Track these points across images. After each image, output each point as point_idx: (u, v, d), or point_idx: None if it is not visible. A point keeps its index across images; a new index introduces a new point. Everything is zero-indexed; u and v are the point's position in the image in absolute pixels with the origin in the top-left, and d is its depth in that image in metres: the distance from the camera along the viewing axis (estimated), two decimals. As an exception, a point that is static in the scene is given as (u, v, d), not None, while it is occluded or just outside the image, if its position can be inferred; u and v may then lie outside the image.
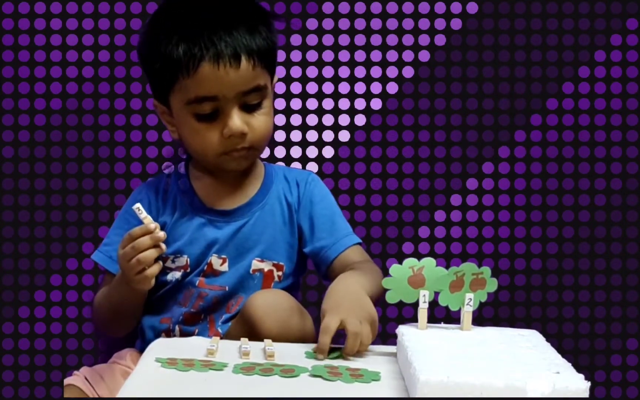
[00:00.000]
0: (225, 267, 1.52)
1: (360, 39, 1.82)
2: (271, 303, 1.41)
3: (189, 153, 1.58)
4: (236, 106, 1.47)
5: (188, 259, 1.52)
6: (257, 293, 1.45)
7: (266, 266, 1.53)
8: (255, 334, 1.37)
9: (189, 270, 1.52)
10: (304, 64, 1.82)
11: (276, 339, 1.36)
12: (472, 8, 1.81)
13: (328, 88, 1.83)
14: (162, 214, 1.55)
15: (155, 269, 1.40)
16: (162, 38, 1.46)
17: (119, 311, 1.51)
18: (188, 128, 1.49)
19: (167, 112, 1.52)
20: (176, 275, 1.52)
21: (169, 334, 1.52)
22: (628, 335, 1.83)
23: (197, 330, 1.51)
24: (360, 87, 1.83)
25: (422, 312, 1.28)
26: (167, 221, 1.54)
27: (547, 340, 1.25)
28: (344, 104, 1.83)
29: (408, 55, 1.82)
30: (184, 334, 1.51)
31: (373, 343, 1.36)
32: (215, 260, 1.52)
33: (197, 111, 1.47)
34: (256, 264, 1.52)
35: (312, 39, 1.81)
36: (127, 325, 1.55)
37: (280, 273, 1.54)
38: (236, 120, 1.47)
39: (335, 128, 1.83)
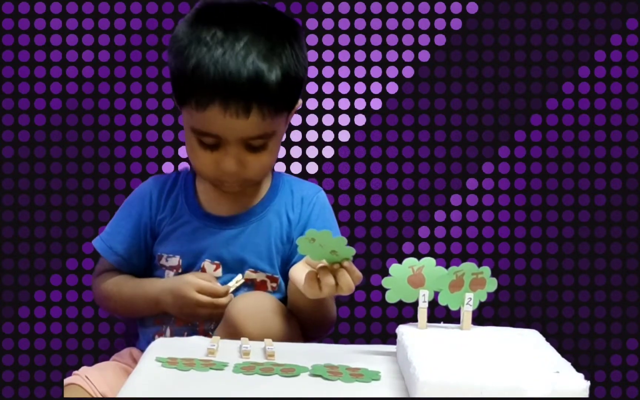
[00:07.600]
0: (219, 273, 1.51)
1: (360, 39, 1.82)
2: (253, 305, 1.40)
3: None
4: (237, 147, 1.45)
5: (180, 260, 1.52)
6: (239, 296, 1.44)
7: (259, 277, 1.51)
8: (237, 337, 1.36)
9: (180, 271, 1.51)
10: (303, 63, 1.82)
11: (258, 341, 1.34)
12: (472, 8, 1.81)
13: (328, 88, 1.83)
14: (162, 211, 1.54)
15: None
16: (180, 52, 1.43)
17: (131, 311, 1.56)
18: (190, 145, 1.47)
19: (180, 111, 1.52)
20: (170, 275, 1.52)
21: (160, 336, 1.51)
22: (628, 335, 1.83)
23: (186, 333, 1.50)
24: (360, 87, 1.83)
25: (422, 312, 1.27)
26: (165, 218, 1.54)
27: (547, 340, 1.24)
28: (344, 104, 1.83)
29: (408, 55, 1.82)
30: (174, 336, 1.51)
31: (373, 342, 1.36)
32: (208, 265, 1.51)
33: (200, 139, 1.45)
34: (249, 274, 1.51)
35: (312, 39, 1.80)
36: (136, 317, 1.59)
37: (274, 285, 1.52)
38: (230, 163, 1.44)
39: (335, 128, 1.83)
